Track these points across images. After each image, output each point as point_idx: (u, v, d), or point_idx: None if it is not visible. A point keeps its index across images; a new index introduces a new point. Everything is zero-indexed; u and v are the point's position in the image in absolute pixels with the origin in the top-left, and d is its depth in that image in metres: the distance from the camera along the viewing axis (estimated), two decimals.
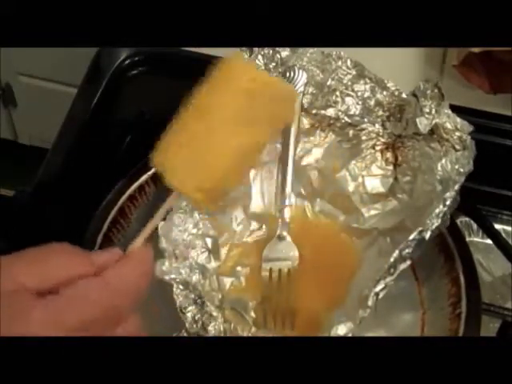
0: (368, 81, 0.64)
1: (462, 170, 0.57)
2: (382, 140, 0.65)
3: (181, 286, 0.55)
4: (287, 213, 0.63)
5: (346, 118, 0.65)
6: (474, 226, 0.71)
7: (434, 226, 0.55)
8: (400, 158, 0.64)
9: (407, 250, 0.54)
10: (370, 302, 0.53)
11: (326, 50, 0.64)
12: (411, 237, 0.54)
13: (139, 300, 0.41)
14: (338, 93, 0.64)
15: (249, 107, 0.46)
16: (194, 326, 0.55)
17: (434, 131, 0.60)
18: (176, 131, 0.46)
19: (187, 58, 0.76)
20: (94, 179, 0.70)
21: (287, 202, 0.63)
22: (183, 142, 0.46)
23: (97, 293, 0.38)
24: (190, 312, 0.55)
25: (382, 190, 0.65)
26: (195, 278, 0.58)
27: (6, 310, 0.36)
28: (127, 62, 0.78)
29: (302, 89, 0.64)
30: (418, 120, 0.60)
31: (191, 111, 0.47)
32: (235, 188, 0.55)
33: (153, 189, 0.65)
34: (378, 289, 0.53)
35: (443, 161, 0.58)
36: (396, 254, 0.54)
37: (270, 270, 0.61)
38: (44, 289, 0.38)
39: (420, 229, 0.54)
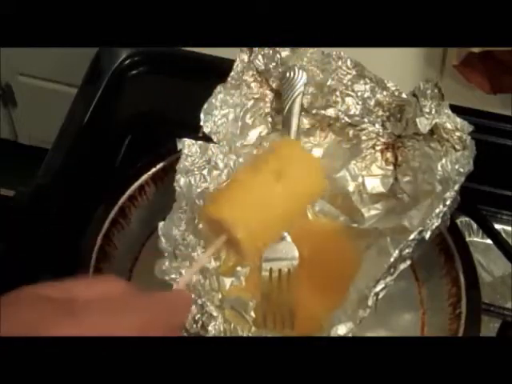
0: (368, 81, 0.63)
1: (461, 170, 0.57)
2: (382, 140, 0.65)
3: None
4: None
5: (346, 118, 0.65)
6: (474, 226, 0.71)
7: (434, 226, 0.55)
8: (400, 157, 0.64)
9: (407, 250, 0.54)
10: (369, 302, 0.53)
11: (326, 50, 0.64)
12: (411, 237, 0.54)
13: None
14: (337, 93, 0.64)
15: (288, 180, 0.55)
16: (194, 326, 0.55)
17: (433, 131, 0.60)
18: (231, 186, 0.56)
19: (187, 58, 0.76)
20: (94, 179, 0.70)
21: None
22: (239, 196, 0.55)
23: (154, 306, 0.42)
24: (190, 312, 0.55)
25: (382, 189, 0.65)
26: (195, 277, 0.58)
27: (64, 309, 0.38)
28: (127, 62, 0.78)
29: (302, 89, 0.63)
30: (418, 120, 0.60)
31: (246, 172, 0.57)
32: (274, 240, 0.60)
33: (153, 189, 0.65)
34: (378, 289, 0.53)
35: (443, 161, 0.58)
36: (396, 253, 0.54)
37: (270, 270, 0.61)
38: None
39: (420, 229, 0.54)
